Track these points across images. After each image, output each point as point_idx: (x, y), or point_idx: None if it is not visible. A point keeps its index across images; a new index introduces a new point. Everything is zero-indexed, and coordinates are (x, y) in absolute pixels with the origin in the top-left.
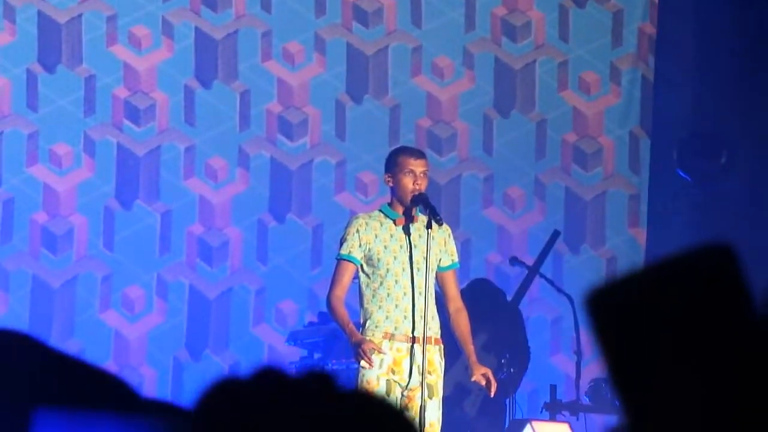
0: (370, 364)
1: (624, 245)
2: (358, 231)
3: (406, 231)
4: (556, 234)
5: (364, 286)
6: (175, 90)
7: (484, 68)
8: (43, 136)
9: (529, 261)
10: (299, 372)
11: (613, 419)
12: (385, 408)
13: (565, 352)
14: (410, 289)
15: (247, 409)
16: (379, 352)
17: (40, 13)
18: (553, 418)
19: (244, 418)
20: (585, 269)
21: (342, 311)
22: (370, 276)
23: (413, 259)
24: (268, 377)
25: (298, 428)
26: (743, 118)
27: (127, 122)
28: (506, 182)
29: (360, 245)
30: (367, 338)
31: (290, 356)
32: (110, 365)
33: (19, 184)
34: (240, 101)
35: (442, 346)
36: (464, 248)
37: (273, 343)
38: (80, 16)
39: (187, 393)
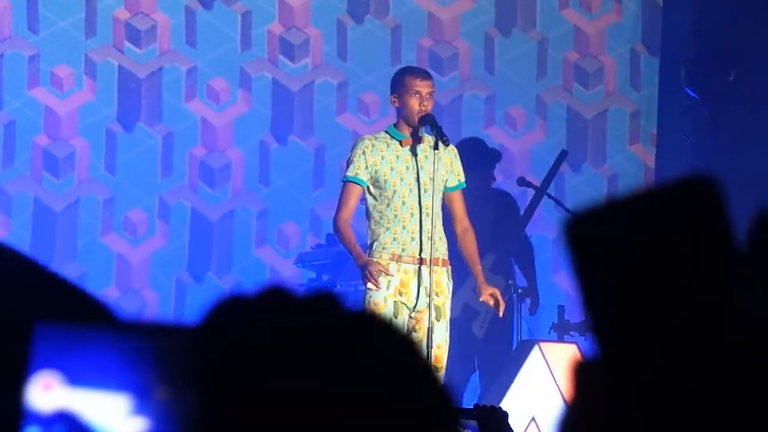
0: (376, 286)
1: (625, 162)
2: (364, 152)
3: (413, 152)
4: (563, 154)
5: (371, 208)
6: (176, 11)
7: None
8: (44, 58)
9: (533, 180)
10: (305, 291)
11: None
12: (392, 329)
13: (567, 271)
14: (417, 210)
15: (252, 327)
16: (386, 274)
17: None
18: (561, 339)
19: (249, 337)
20: (586, 187)
21: (349, 233)
22: (377, 198)
23: (420, 180)
24: (273, 296)
25: (303, 348)
26: (752, 36)
27: (128, 44)
28: (508, 101)
29: (366, 167)
30: (374, 260)
31: (294, 278)
32: (112, 289)
33: (21, 107)
34: (241, 22)
35: (450, 268)
36: (466, 168)
37: (275, 265)
38: None
39: (189, 315)
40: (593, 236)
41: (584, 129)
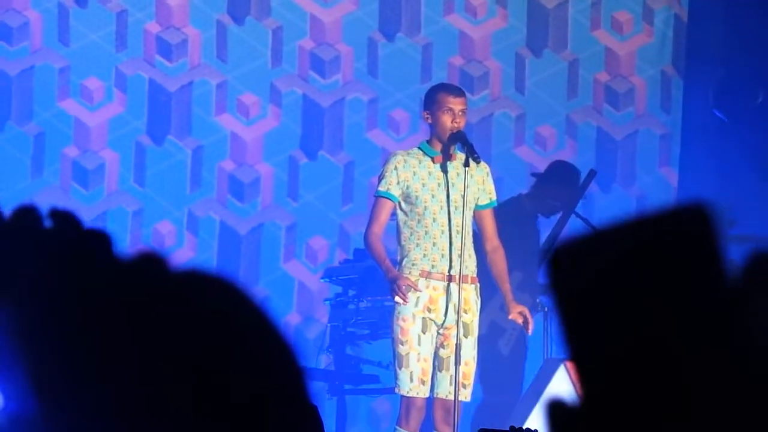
0: (404, 301)
1: (654, 184)
2: (396, 168)
3: (444, 169)
4: (592, 173)
5: (401, 224)
6: (207, 25)
7: (517, 6)
8: (75, 70)
9: None
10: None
11: None
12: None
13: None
14: (447, 228)
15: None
16: (415, 290)
17: None
18: None
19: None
20: (615, 207)
21: (379, 247)
22: (408, 214)
23: (450, 198)
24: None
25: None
26: None
27: (158, 57)
28: (538, 121)
29: (398, 182)
30: (404, 275)
31: (321, 293)
32: None
33: (50, 119)
34: (272, 37)
35: (478, 285)
36: (495, 187)
37: (303, 279)
38: None
39: None
40: (578, 268)
41: (614, 150)
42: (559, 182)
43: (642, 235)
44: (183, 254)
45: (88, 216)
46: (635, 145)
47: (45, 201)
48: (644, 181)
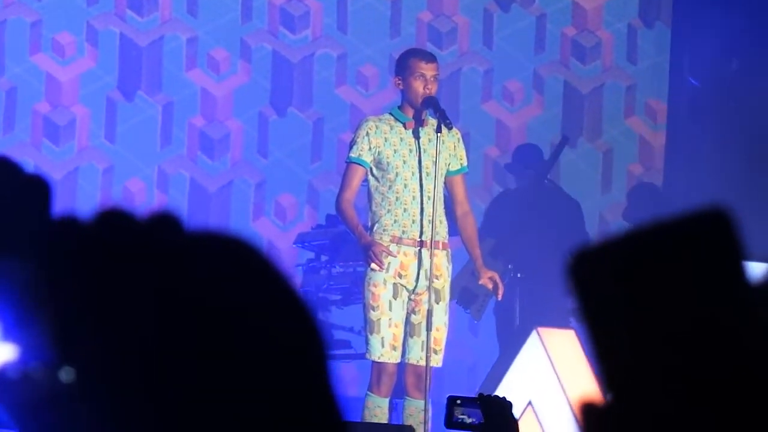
0: (380, 266)
1: (621, 136)
2: (368, 134)
3: (416, 135)
4: (564, 140)
5: (373, 190)
6: None
7: None
8: (47, 24)
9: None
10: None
11: None
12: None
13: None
14: (419, 194)
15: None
16: (389, 255)
17: None
18: (559, 325)
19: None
20: (582, 161)
21: (351, 213)
22: (380, 180)
23: (422, 163)
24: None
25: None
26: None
27: (130, 12)
28: (505, 76)
29: (370, 148)
30: (378, 242)
31: (290, 252)
32: None
33: (22, 73)
34: None
35: (449, 251)
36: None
37: (272, 238)
38: None
39: None
40: (603, 274)
41: (580, 103)
42: (527, 164)
43: (661, 240)
44: None
45: (59, 173)
46: (602, 97)
47: (16, 157)
48: (611, 134)
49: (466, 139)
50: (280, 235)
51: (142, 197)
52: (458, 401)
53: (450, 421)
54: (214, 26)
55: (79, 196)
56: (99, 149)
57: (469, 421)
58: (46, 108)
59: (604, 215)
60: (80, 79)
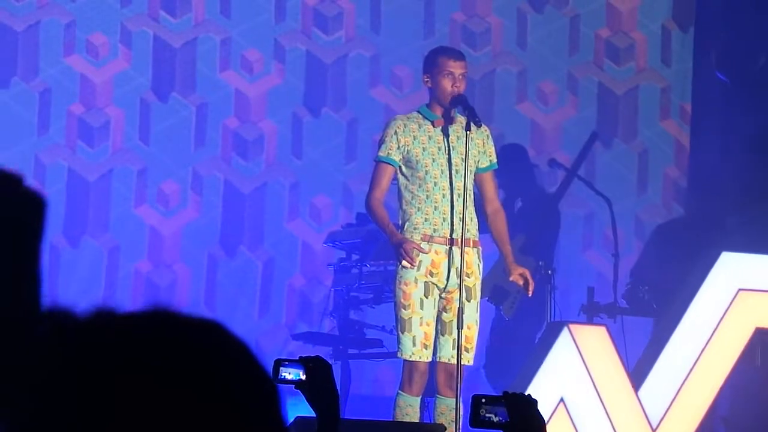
0: (412, 264)
1: (656, 137)
2: (396, 133)
3: (445, 133)
4: (594, 136)
5: (402, 188)
6: None
7: None
8: (80, 26)
9: (562, 157)
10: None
11: (649, 322)
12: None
13: (597, 248)
14: (449, 191)
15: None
16: (421, 252)
17: None
18: (590, 321)
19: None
20: (617, 162)
21: (382, 212)
22: (409, 178)
23: (452, 161)
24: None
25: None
26: None
27: (163, 13)
28: (539, 77)
29: (398, 147)
30: (409, 239)
31: (325, 253)
32: (145, 263)
33: (56, 75)
34: None
35: (480, 249)
36: (497, 143)
37: (306, 239)
38: None
39: (221, 290)
40: None
41: (615, 105)
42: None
43: None
44: (187, 215)
45: (93, 174)
46: (637, 99)
47: (50, 159)
48: (646, 135)
49: (500, 140)
50: (314, 237)
51: (177, 199)
52: (483, 400)
53: (475, 420)
54: (248, 27)
55: (113, 198)
56: (133, 151)
57: (495, 420)
58: (80, 109)
59: (640, 216)
60: (114, 81)
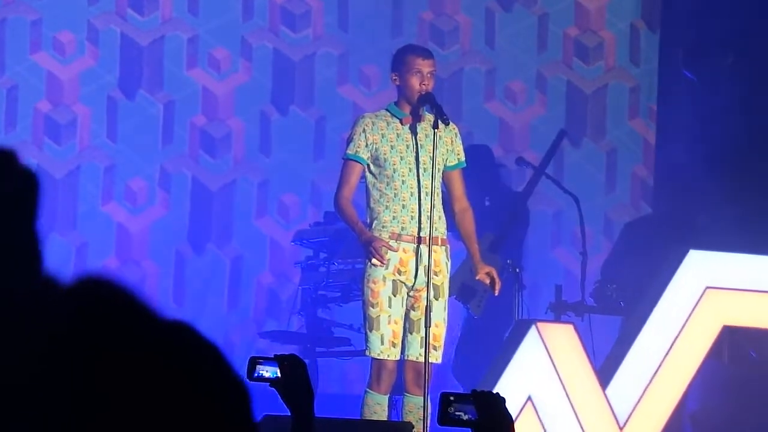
0: (381, 262)
1: (625, 137)
2: (364, 131)
3: (413, 130)
4: (562, 133)
5: (370, 186)
6: None
7: None
8: (47, 23)
9: (531, 155)
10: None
11: (617, 320)
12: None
13: (565, 246)
14: (417, 190)
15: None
16: (390, 249)
17: None
18: (557, 319)
19: None
20: (585, 161)
21: (350, 210)
22: (377, 176)
23: (420, 159)
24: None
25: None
26: (751, 18)
27: (130, 11)
28: (508, 75)
29: (366, 145)
30: (378, 237)
31: (293, 250)
32: (112, 259)
33: (23, 72)
34: None
35: (448, 247)
36: (465, 141)
37: (275, 236)
38: None
39: (189, 287)
40: None
41: (584, 104)
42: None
43: None
44: (155, 212)
45: (60, 171)
46: (605, 98)
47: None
48: (614, 134)
49: (469, 138)
50: (283, 234)
51: (144, 196)
52: (452, 398)
53: (444, 418)
54: (215, 25)
55: (80, 195)
56: (101, 148)
57: (464, 417)
58: (47, 107)
59: (609, 215)
60: (81, 78)
